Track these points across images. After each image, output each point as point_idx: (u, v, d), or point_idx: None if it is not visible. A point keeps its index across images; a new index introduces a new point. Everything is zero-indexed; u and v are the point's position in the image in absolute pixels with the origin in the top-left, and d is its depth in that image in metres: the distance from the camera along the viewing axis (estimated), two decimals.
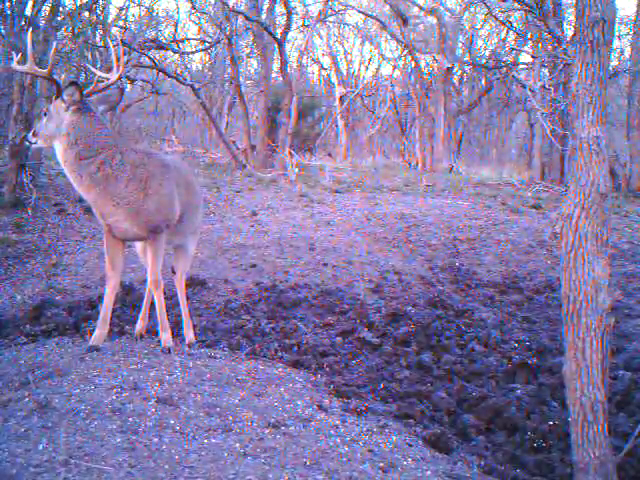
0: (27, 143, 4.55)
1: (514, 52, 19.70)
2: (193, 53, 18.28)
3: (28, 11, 9.15)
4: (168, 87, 20.68)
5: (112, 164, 4.16)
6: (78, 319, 5.40)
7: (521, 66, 19.10)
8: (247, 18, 15.11)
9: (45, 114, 4.29)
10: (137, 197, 4.20)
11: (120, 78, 4.42)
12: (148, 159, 4.36)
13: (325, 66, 27.97)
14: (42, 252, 7.57)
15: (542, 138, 17.23)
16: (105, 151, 4.16)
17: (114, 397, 3.31)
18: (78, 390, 3.35)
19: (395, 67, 25.07)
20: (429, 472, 3.06)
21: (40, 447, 2.71)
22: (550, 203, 11.67)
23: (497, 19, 15.80)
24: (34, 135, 4.32)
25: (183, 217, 4.59)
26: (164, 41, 14.71)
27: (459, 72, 23.60)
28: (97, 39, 13.04)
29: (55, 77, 4.33)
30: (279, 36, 15.32)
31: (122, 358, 4.03)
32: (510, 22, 16.39)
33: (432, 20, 20.12)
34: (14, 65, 4.45)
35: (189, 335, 4.88)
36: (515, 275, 8.03)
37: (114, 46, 4.84)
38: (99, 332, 4.29)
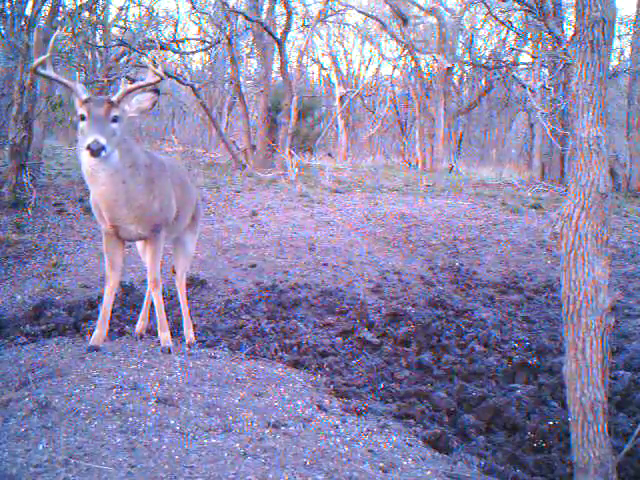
0: (100, 154, 3.70)
1: (514, 52, 19.68)
2: (193, 53, 18.28)
3: (28, 11, 9.16)
4: (168, 87, 20.67)
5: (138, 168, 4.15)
6: (78, 319, 5.41)
7: (521, 66, 19.10)
8: (247, 18, 15.11)
9: (117, 118, 3.91)
10: (147, 198, 4.19)
11: (160, 81, 4.24)
12: (150, 160, 4.35)
13: (325, 66, 28.00)
14: (42, 252, 7.57)
15: (542, 138, 17.25)
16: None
17: (114, 397, 3.30)
18: (78, 390, 3.34)
19: (395, 67, 25.07)
20: (429, 472, 3.05)
21: (40, 447, 2.71)
22: (550, 203, 11.68)
23: (497, 19, 15.78)
24: (106, 143, 3.75)
25: (179, 215, 4.59)
26: (164, 41, 14.70)
27: (459, 72, 23.60)
28: (97, 39, 13.04)
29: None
30: (279, 36, 15.32)
31: (122, 358, 4.03)
32: (510, 22, 16.37)
33: (432, 20, 20.14)
34: (50, 73, 4.07)
35: (189, 335, 4.88)
36: (515, 275, 8.03)
37: (151, 55, 4.60)
38: (99, 332, 4.28)
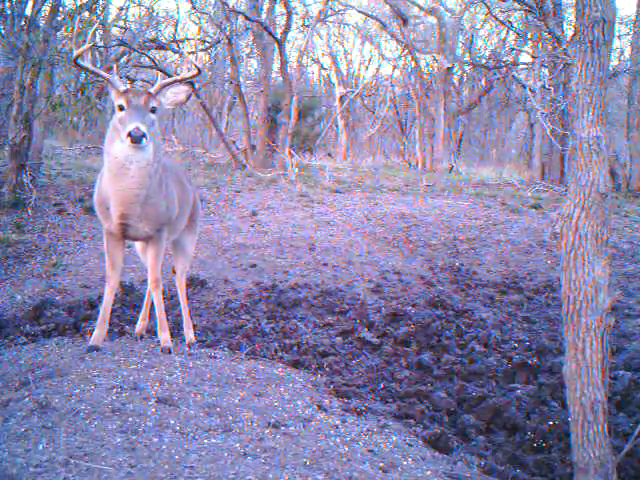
0: (141, 141, 3.71)
1: (514, 52, 19.69)
2: (193, 53, 18.28)
3: (28, 11, 9.16)
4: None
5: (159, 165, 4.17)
6: (78, 319, 5.40)
7: (521, 66, 19.11)
8: (247, 18, 15.11)
9: (155, 109, 3.97)
10: (159, 197, 4.19)
11: (196, 75, 4.18)
12: None
13: (325, 66, 27.99)
14: (42, 252, 7.56)
15: (542, 138, 17.22)
16: None
17: (114, 397, 3.30)
18: (78, 390, 3.34)
19: (395, 67, 25.06)
20: (429, 472, 3.05)
21: (40, 447, 2.71)
22: (550, 203, 11.67)
23: (497, 19, 15.80)
24: (146, 132, 3.77)
25: (177, 215, 4.60)
26: (164, 41, 14.70)
27: (459, 72, 23.59)
28: (97, 39, 13.04)
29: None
30: (279, 36, 15.32)
31: (122, 358, 4.03)
32: (510, 22, 16.39)
33: (432, 20, 20.14)
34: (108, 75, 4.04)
35: (189, 335, 4.88)
36: (515, 275, 8.03)
37: (188, 54, 4.59)
38: (99, 332, 4.28)
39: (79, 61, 4.02)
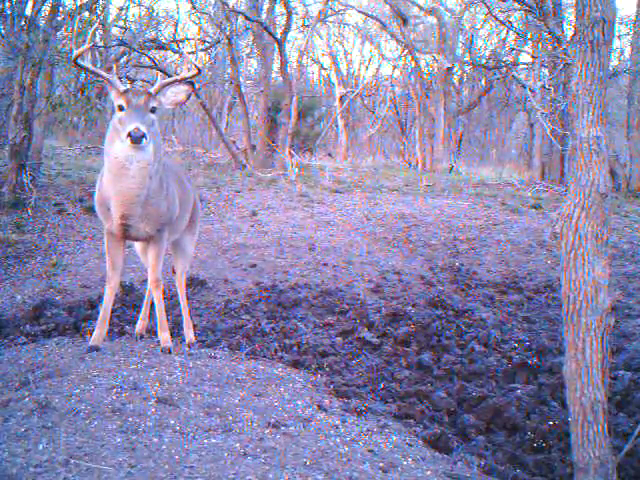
0: (141, 141, 3.73)
1: (514, 52, 19.69)
2: (193, 53, 18.27)
3: (28, 11, 9.16)
4: None
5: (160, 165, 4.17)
6: (78, 319, 5.41)
7: (521, 66, 19.11)
8: (247, 18, 15.11)
9: (154, 109, 3.99)
10: (159, 197, 4.19)
11: (196, 75, 4.18)
12: None
13: (325, 66, 28.01)
14: (42, 252, 7.57)
15: (542, 138, 17.24)
16: None
17: (114, 397, 3.30)
18: (78, 390, 3.34)
19: (395, 67, 25.07)
20: (429, 472, 3.05)
21: (40, 447, 2.71)
22: (550, 203, 11.67)
23: (497, 19, 15.80)
24: (146, 132, 3.77)
25: (177, 215, 4.60)
26: (164, 41, 14.71)
27: (459, 72, 23.58)
28: (97, 39, 13.04)
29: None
30: (279, 36, 15.32)
31: (122, 358, 4.03)
32: (510, 22, 16.39)
33: (432, 20, 20.15)
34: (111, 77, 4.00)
35: (189, 335, 4.88)
36: (515, 275, 8.03)
37: (188, 54, 4.58)
38: (99, 332, 4.28)
39: (79, 61, 4.02)
